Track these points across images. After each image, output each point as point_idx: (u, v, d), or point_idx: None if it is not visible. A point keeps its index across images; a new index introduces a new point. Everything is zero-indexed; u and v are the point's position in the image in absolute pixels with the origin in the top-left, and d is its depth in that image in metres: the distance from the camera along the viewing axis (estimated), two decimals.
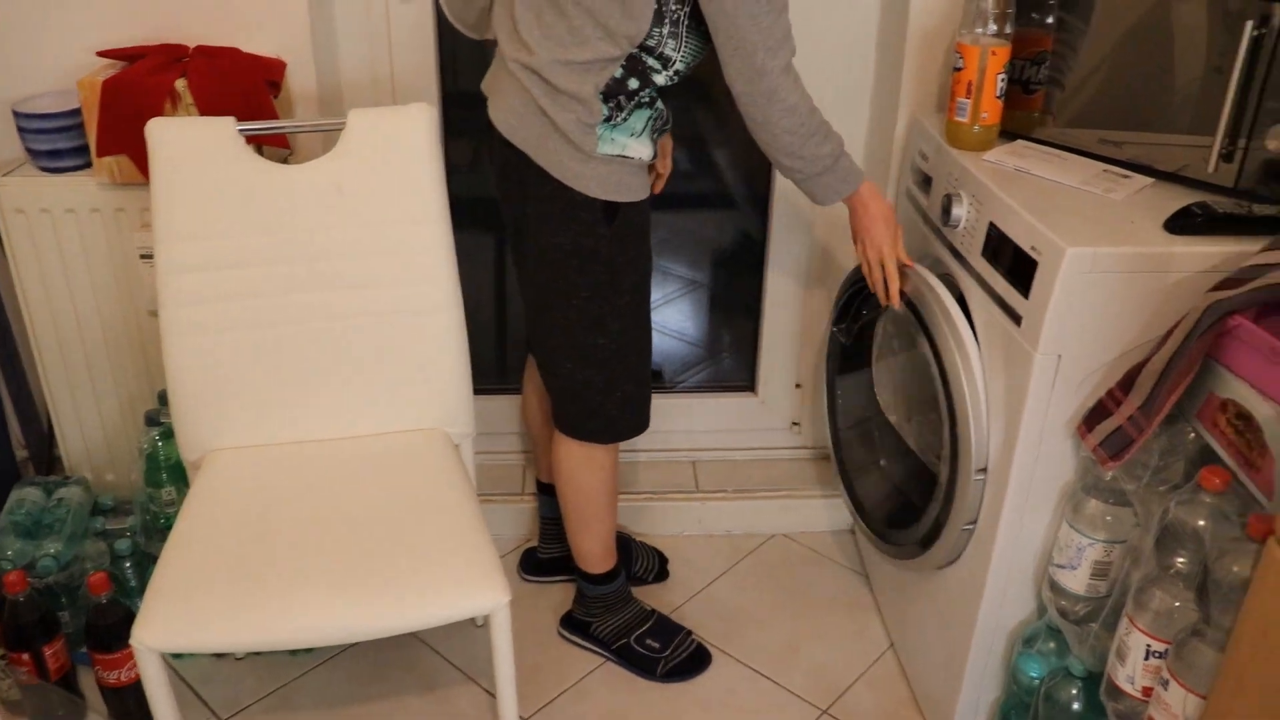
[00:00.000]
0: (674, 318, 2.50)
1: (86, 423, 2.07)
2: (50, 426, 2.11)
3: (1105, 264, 1.39)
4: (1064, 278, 1.39)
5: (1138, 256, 1.40)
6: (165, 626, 1.38)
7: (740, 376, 2.47)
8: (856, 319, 2.01)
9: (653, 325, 1.79)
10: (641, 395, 1.82)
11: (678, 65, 1.58)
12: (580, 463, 1.85)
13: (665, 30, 1.53)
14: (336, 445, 1.72)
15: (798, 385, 2.40)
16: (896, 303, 1.73)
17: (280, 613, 1.40)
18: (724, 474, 2.39)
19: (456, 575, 1.46)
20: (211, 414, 1.68)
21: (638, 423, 1.84)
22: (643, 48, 1.54)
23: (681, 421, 2.42)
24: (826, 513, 2.35)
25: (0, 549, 1.84)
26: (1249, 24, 1.43)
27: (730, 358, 2.52)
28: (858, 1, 2.06)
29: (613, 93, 1.56)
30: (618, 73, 1.55)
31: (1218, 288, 1.33)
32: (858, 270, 1.84)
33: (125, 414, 2.06)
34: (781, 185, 2.20)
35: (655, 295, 2.19)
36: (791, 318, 2.34)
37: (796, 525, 2.35)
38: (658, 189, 1.93)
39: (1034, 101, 1.78)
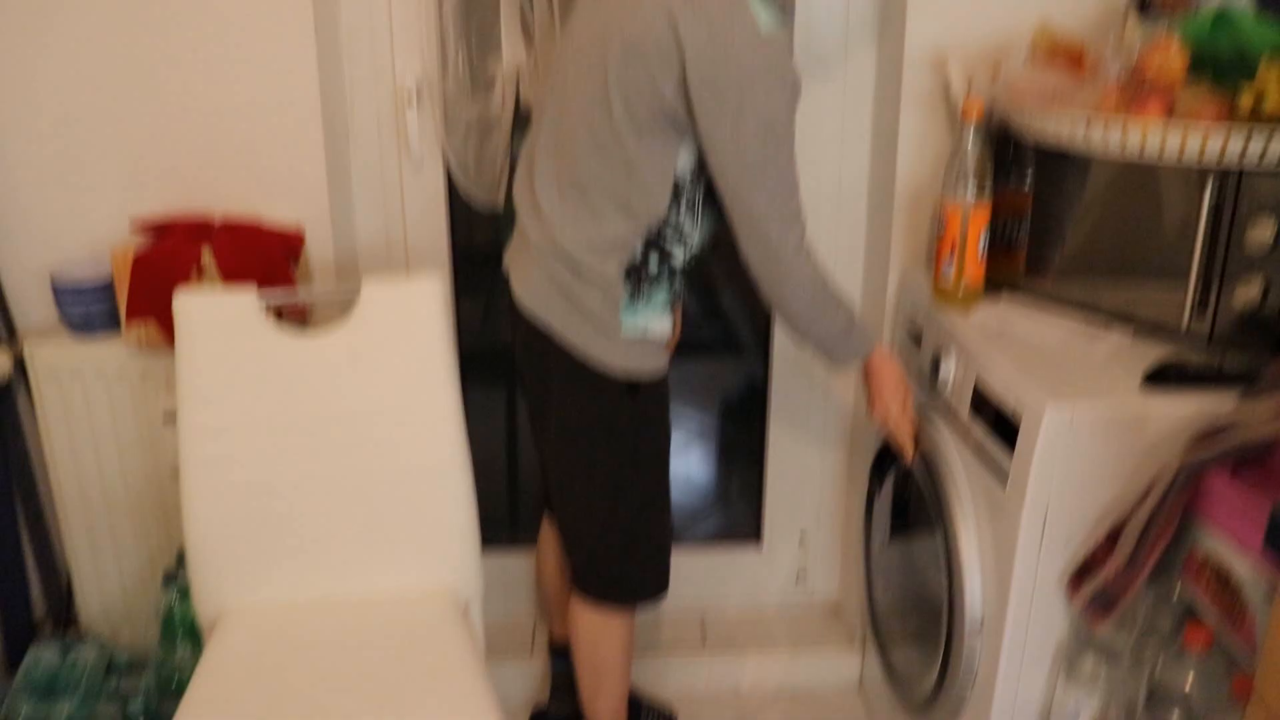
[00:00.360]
0: (677, 466, 2.55)
1: (105, 581, 2.11)
2: (69, 584, 2.16)
3: (1085, 421, 1.44)
4: (1045, 435, 1.44)
5: (1115, 414, 1.45)
6: None
7: (745, 527, 2.51)
8: (883, 479, 2.05)
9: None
10: (661, 561, 1.85)
11: (695, 242, 1.66)
12: (598, 628, 1.86)
13: (683, 208, 1.60)
14: (347, 606, 1.75)
15: (801, 535, 2.43)
16: (908, 460, 1.79)
17: None
18: (731, 628, 2.41)
19: None
20: (227, 572, 1.73)
21: (657, 588, 1.87)
22: (663, 225, 1.61)
23: (688, 574, 2.45)
24: (834, 667, 2.35)
25: (15, 711, 1.88)
26: (1209, 185, 1.52)
27: (735, 507, 2.56)
28: (848, 159, 2.16)
29: (634, 272, 1.63)
30: (638, 251, 1.62)
31: (1193, 442, 1.38)
32: None
33: (144, 573, 2.11)
34: (781, 341, 2.28)
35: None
36: (795, 467, 2.38)
37: (804, 679, 2.35)
38: (669, 348, 2.00)
39: (1018, 257, 1.85)
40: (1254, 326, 1.56)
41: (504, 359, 2.44)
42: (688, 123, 1.52)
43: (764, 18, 1.47)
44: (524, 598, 2.46)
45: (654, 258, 1.63)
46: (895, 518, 2.08)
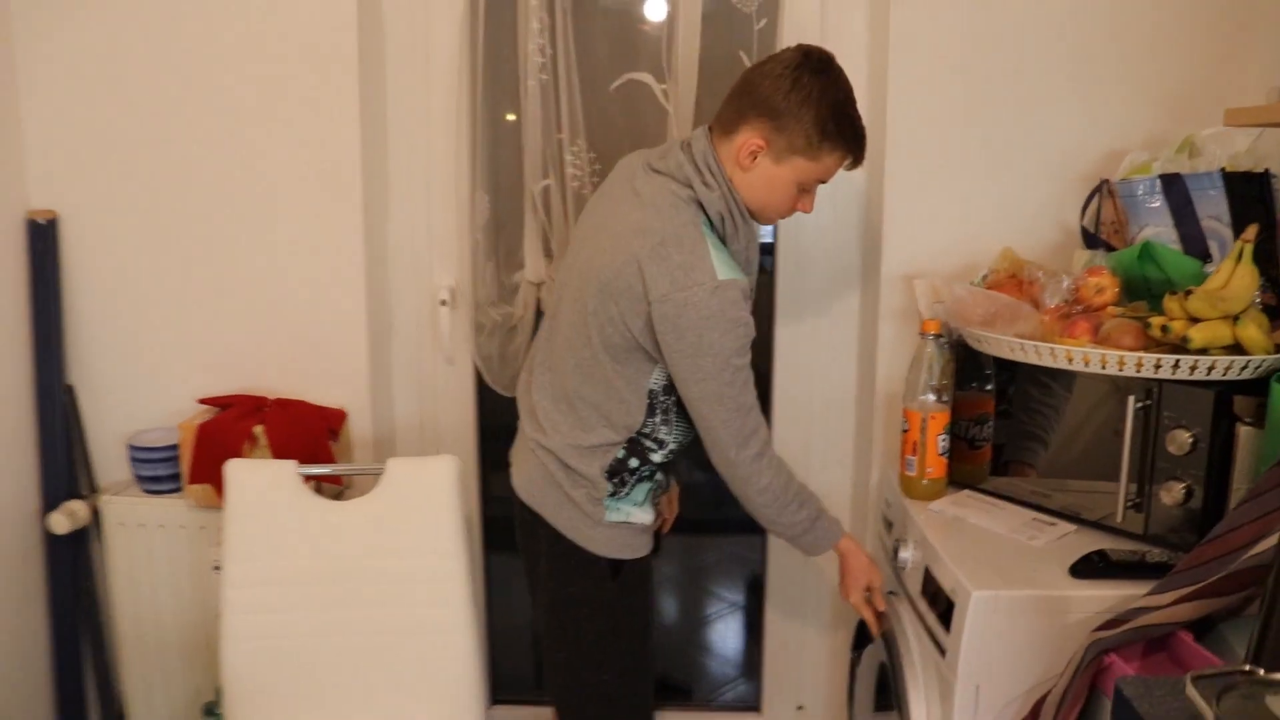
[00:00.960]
0: (679, 639, 2.72)
1: (155, 708, 2.33)
2: (123, 714, 2.37)
3: (1009, 605, 1.61)
4: (972, 616, 1.61)
5: (1040, 599, 1.61)
6: None
7: (746, 698, 2.65)
8: (861, 653, 2.20)
9: (660, 647, 2.00)
10: (644, 718, 2.00)
11: (671, 445, 1.86)
12: None
13: (658, 419, 1.82)
14: None
15: (799, 707, 2.57)
16: (875, 634, 1.96)
17: None
18: None
19: None
20: (259, 707, 1.94)
21: None
22: (640, 433, 1.82)
23: None
24: None
25: None
26: (1131, 398, 1.72)
27: (735, 679, 2.71)
28: (837, 367, 2.40)
29: (616, 471, 1.83)
30: (620, 454, 1.83)
31: (1102, 627, 1.54)
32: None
33: (191, 704, 2.32)
34: None
35: (670, 615, 2.42)
36: (792, 645, 2.54)
37: None
38: (664, 529, 2.20)
39: (980, 455, 2.04)
40: (1183, 522, 1.73)
41: None
42: (657, 352, 1.73)
43: (722, 267, 1.69)
44: None
45: (634, 460, 1.84)
46: (878, 692, 2.22)
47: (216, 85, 2.22)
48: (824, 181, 1.78)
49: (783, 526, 1.84)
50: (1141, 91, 2.13)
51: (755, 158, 1.72)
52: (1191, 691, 1.03)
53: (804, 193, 1.78)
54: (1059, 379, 1.86)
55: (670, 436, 1.84)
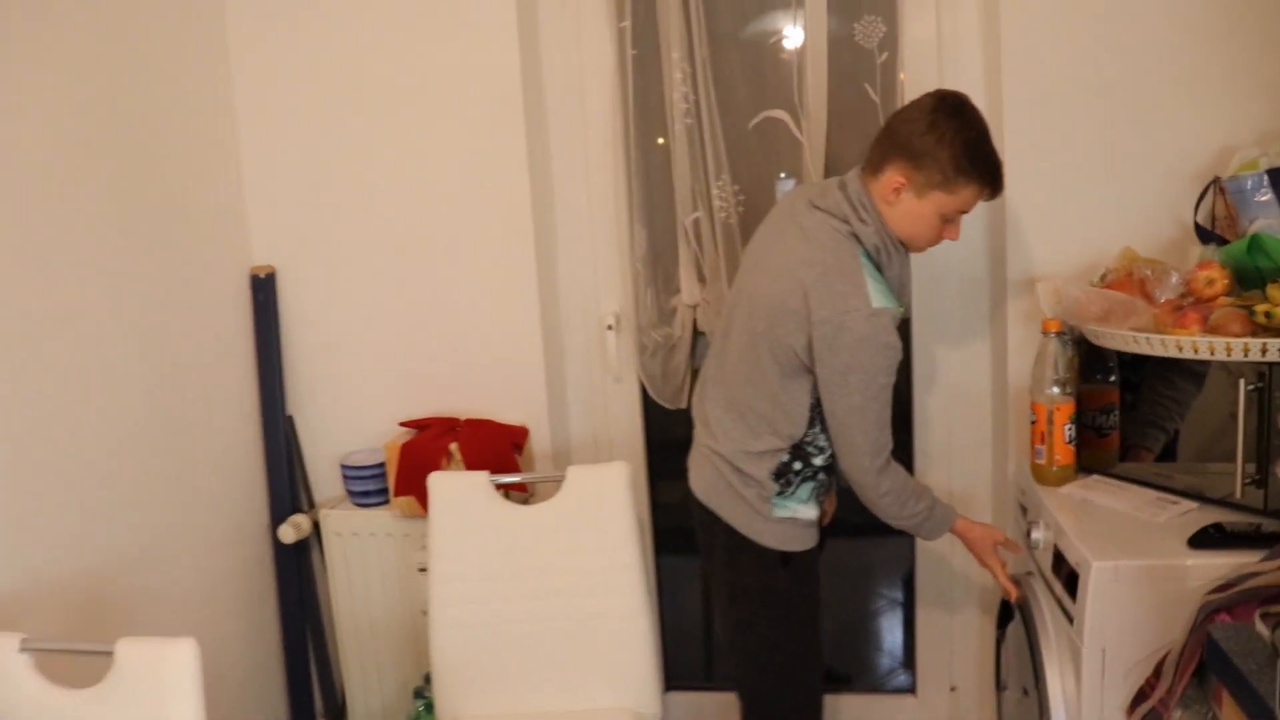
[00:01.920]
0: (845, 632, 2.92)
1: (370, 695, 2.66)
2: (343, 696, 2.72)
3: (1129, 574, 1.77)
4: (1094, 585, 1.77)
5: (1158, 568, 1.77)
6: None
7: (901, 680, 2.83)
8: (1004, 629, 2.36)
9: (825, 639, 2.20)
10: (813, 708, 2.19)
11: (830, 451, 2.05)
12: None
13: (818, 429, 2.03)
14: (553, 717, 2.21)
15: (953, 688, 2.73)
16: (1011, 598, 2.13)
17: None
18: None
19: None
20: (462, 687, 2.22)
21: None
22: (802, 440, 2.03)
23: (848, 718, 2.78)
24: None
25: None
26: (1242, 382, 1.85)
27: (892, 662, 2.89)
28: (972, 371, 2.58)
29: (782, 473, 2.05)
30: (785, 458, 2.04)
31: (1214, 590, 1.68)
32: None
33: (399, 689, 2.64)
34: None
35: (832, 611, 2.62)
36: (944, 630, 2.71)
37: None
38: (825, 521, 2.39)
39: (1108, 442, 2.19)
40: None
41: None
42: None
43: (877, 296, 1.90)
44: None
45: (798, 463, 2.05)
46: (1024, 666, 2.38)
47: (406, 147, 2.56)
48: (965, 212, 1.97)
49: (905, 519, 2.04)
50: (1251, 90, 2.24)
51: (899, 194, 1.93)
52: (1259, 625, 1.20)
53: (948, 223, 1.97)
54: (1179, 369, 2.00)
55: (829, 443, 2.04)
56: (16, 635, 1.62)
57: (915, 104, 1.95)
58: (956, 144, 1.87)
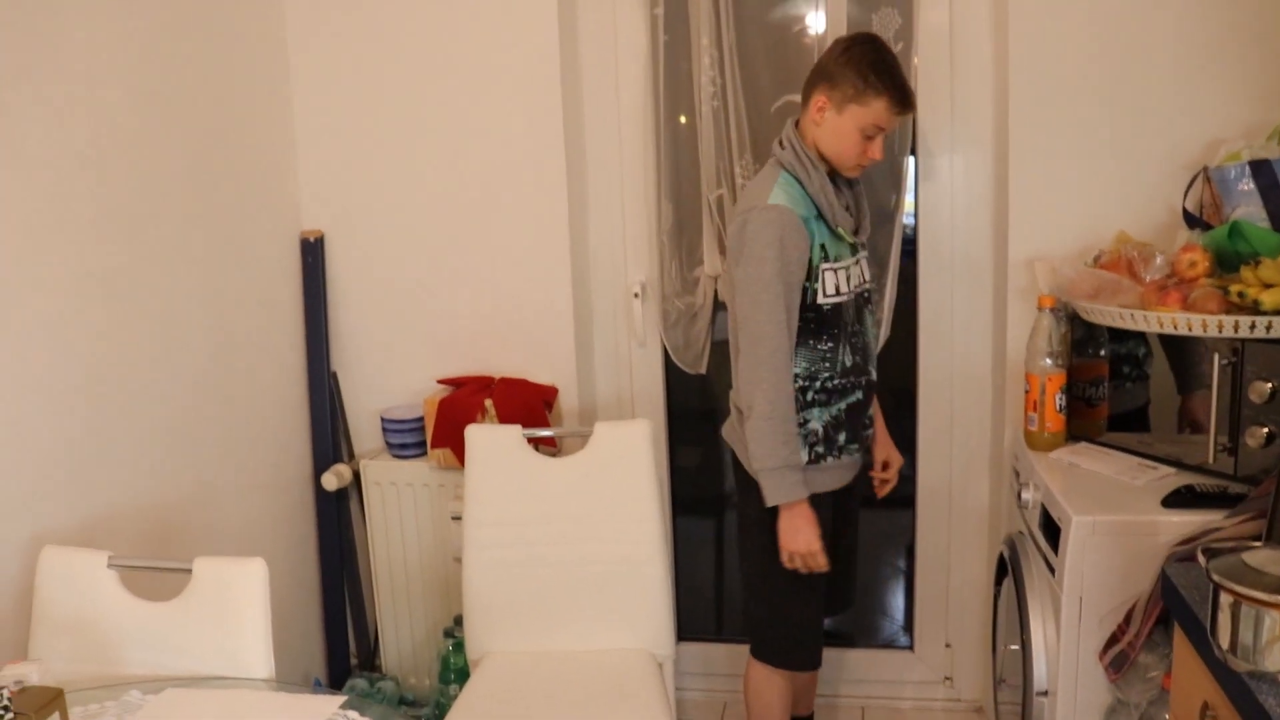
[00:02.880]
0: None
1: (401, 635, 2.86)
2: (376, 637, 2.91)
3: (1105, 528, 1.94)
4: (1074, 538, 1.94)
5: (1132, 523, 1.94)
6: None
7: (899, 635, 3.02)
8: (999, 587, 2.53)
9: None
10: (805, 638, 2.36)
11: (811, 386, 2.21)
12: (761, 680, 2.40)
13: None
14: (573, 655, 2.39)
15: (947, 645, 2.91)
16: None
17: None
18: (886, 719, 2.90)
19: None
20: (490, 624, 2.41)
21: (802, 659, 2.38)
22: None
23: (850, 672, 2.97)
24: None
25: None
26: (1217, 356, 2.01)
27: (890, 618, 3.08)
28: (974, 345, 2.74)
29: None
30: None
31: (1180, 544, 1.85)
32: (1004, 540, 2.41)
33: (430, 632, 2.84)
34: (924, 478, 2.84)
35: None
36: (940, 589, 2.89)
37: None
38: (881, 492, 2.50)
39: (1096, 413, 2.35)
40: (1267, 462, 2.00)
41: (715, 498, 3.11)
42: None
43: (778, 196, 2.13)
44: (715, 684, 3.03)
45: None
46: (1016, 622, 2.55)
47: (449, 120, 2.74)
48: (883, 129, 2.18)
49: (763, 452, 2.15)
50: (1241, 86, 2.38)
51: (823, 113, 2.18)
52: (1199, 558, 1.37)
53: (868, 139, 2.18)
54: (1163, 344, 2.17)
55: (801, 368, 2.20)
56: (104, 553, 1.81)
57: (836, 41, 2.24)
58: (864, 62, 2.14)
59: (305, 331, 2.86)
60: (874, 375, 2.33)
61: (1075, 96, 2.46)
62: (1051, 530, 2.07)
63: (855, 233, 2.28)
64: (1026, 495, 2.25)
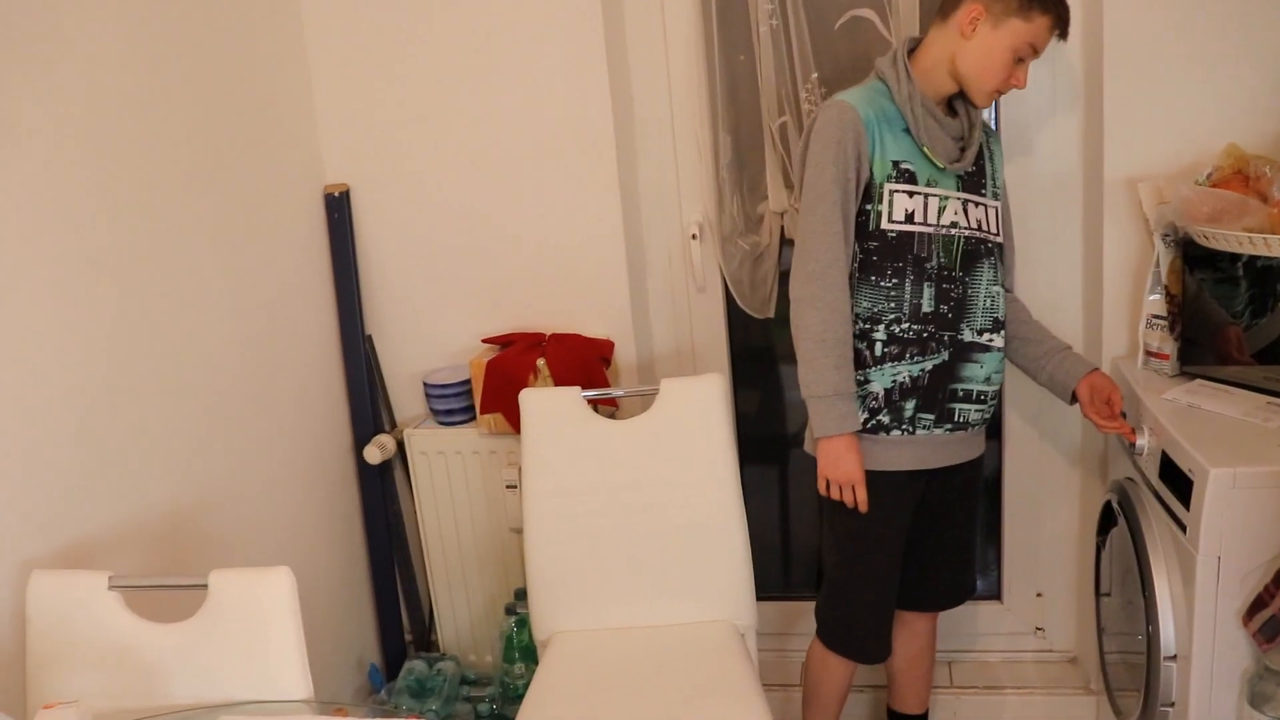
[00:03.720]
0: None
1: (458, 611, 2.70)
2: (430, 616, 2.76)
3: (1246, 481, 1.74)
4: (1211, 493, 1.75)
5: (1274, 474, 1.74)
6: None
7: (988, 586, 2.84)
8: (1106, 537, 2.34)
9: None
10: (865, 624, 2.20)
11: (865, 322, 2.03)
12: (819, 659, 2.27)
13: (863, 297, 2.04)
14: (649, 630, 2.23)
15: (1039, 594, 2.74)
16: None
17: None
18: (975, 674, 2.74)
19: None
20: (558, 602, 2.24)
21: (859, 649, 2.22)
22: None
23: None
24: (1068, 710, 2.63)
25: (397, 704, 2.47)
26: None
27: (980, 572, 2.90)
28: (1060, 277, 2.51)
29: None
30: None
31: None
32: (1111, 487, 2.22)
33: (488, 607, 2.68)
34: (1011, 422, 2.64)
35: None
36: (1030, 537, 2.70)
37: None
38: (1132, 438, 2.09)
39: (1211, 346, 2.15)
40: None
41: (778, 442, 2.91)
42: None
43: (849, 96, 1.99)
44: (794, 641, 2.86)
45: (860, 344, 2.05)
46: (1126, 573, 2.37)
47: (480, 58, 2.50)
48: (1037, 51, 1.97)
49: (809, 361, 2.01)
50: None
51: (975, 25, 1.95)
52: None
53: (1019, 62, 1.98)
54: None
55: (863, 307, 2.03)
56: (103, 574, 1.59)
57: None
58: None
59: (335, 293, 2.66)
60: (981, 338, 2.07)
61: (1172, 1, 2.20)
62: (1175, 480, 1.88)
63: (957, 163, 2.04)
64: (1141, 441, 2.05)
